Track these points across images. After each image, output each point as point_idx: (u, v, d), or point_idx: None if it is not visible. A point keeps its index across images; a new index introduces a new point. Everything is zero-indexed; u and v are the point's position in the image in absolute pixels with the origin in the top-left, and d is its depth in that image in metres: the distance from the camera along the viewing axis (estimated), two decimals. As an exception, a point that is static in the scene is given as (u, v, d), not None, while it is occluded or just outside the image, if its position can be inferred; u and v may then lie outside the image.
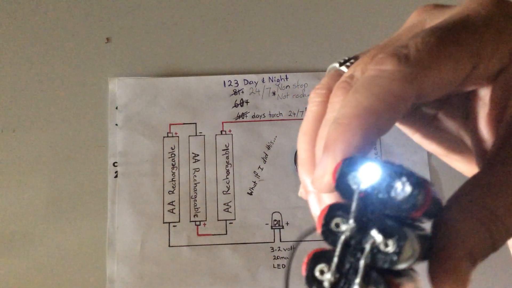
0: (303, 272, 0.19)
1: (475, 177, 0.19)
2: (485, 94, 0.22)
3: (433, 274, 0.18)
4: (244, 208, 0.48)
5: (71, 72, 0.51)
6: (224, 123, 0.50)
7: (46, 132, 0.50)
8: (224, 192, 0.48)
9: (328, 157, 0.19)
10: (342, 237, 0.18)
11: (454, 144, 0.26)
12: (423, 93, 0.19)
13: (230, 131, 0.49)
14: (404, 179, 0.17)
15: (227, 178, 0.48)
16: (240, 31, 0.53)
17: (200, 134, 0.49)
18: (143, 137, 0.49)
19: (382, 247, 0.17)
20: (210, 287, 0.46)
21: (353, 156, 0.19)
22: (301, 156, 0.23)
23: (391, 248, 0.17)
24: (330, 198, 0.21)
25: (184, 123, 0.50)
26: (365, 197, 0.18)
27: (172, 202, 0.48)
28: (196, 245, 0.47)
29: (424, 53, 0.19)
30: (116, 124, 0.49)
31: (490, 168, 0.19)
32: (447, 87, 0.20)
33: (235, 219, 0.47)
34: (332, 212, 0.19)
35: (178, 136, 0.49)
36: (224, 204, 0.48)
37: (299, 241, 0.21)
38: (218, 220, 0.47)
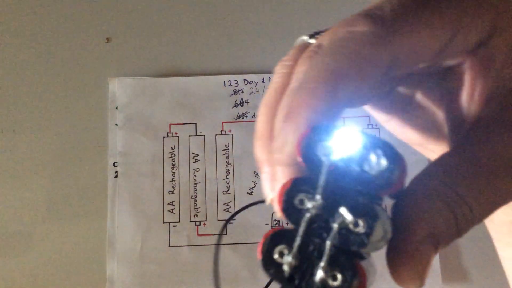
0: (259, 254, 0.17)
1: (443, 157, 0.18)
2: (461, 70, 0.20)
3: (391, 258, 0.17)
4: (244, 208, 0.48)
5: (71, 72, 0.51)
6: (224, 123, 0.50)
7: (46, 132, 0.50)
8: (224, 192, 0.48)
9: (290, 124, 0.17)
10: (307, 215, 0.16)
11: (429, 131, 0.25)
12: (397, 60, 0.18)
13: (230, 131, 0.49)
14: (379, 151, 0.16)
15: (227, 178, 0.48)
16: (240, 31, 0.53)
17: (200, 134, 0.49)
18: (143, 137, 0.49)
19: (351, 226, 0.16)
20: (210, 287, 0.46)
21: (324, 123, 0.17)
22: (258, 129, 0.21)
23: (361, 228, 0.16)
24: (287, 175, 0.19)
25: (184, 123, 0.50)
26: (335, 170, 0.16)
27: (172, 202, 0.48)
28: (196, 245, 0.47)
29: (400, 15, 0.18)
30: (116, 124, 0.49)
31: (459, 149, 0.18)
32: (423, 56, 0.19)
33: (235, 219, 0.47)
34: (296, 186, 0.16)
35: (178, 136, 0.49)
36: (224, 204, 0.48)
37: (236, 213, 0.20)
38: (218, 220, 0.47)
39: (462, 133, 0.19)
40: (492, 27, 0.19)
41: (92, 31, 0.52)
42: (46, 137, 0.49)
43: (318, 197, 0.16)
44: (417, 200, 0.17)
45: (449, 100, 0.21)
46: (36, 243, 0.47)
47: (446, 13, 0.18)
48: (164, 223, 0.47)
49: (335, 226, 0.16)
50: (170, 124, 0.49)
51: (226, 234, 0.47)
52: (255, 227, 0.47)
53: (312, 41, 0.23)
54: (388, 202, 0.18)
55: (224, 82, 0.51)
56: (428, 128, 0.24)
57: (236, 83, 0.51)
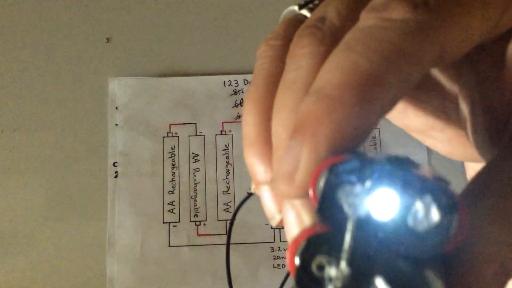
0: (292, 269, 0.12)
1: (494, 168, 0.14)
2: (497, 49, 0.16)
3: None
4: (244, 208, 0.48)
5: (71, 72, 0.51)
6: (224, 123, 0.50)
7: (46, 132, 0.50)
8: (224, 192, 0.48)
9: (305, 144, 0.13)
10: None
11: (437, 115, 0.20)
12: (446, 52, 0.14)
13: (230, 131, 0.49)
14: (428, 197, 0.11)
15: (227, 178, 0.48)
16: (240, 31, 0.53)
17: (200, 134, 0.49)
18: (143, 137, 0.49)
19: None
20: (210, 287, 0.46)
21: (349, 157, 0.12)
22: (248, 132, 0.16)
23: None
24: (302, 209, 0.14)
25: (184, 123, 0.50)
26: (365, 225, 0.12)
27: (172, 202, 0.48)
28: (196, 245, 0.47)
29: None
30: (116, 124, 0.49)
31: None
32: (473, 41, 0.14)
33: (235, 219, 0.47)
34: (312, 247, 0.12)
35: (178, 136, 0.49)
36: (224, 204, 0.48)
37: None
38: (218, 220, 0.47)
39: (511, 129, 0.15)
40: None
41: (92, 31, 0.52)
42: (46, 137, 0.49)
43: (343, 264, 0.12)
44: (477, 230, 0.13)
45: (481, 86, 0.17)
46: (36, 243, 0.47)
47: None
48: (164, 223, 0.47)
49: None
50: (170, 124, 0.49)
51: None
52: (255, 227, 0.47)
53: (305, 12, 0.18)
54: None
55: (224, 82, 0.51)
56: (436, 111, 0.20)
57: (236, 83, 0.51)
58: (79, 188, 0.48)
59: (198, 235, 0.47)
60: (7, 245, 0.47)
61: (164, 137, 0.49)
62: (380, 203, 0.12)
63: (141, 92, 0.50)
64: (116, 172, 0.48)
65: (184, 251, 0.46)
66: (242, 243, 0.47)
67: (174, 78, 0.51)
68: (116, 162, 0.48)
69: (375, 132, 0.49)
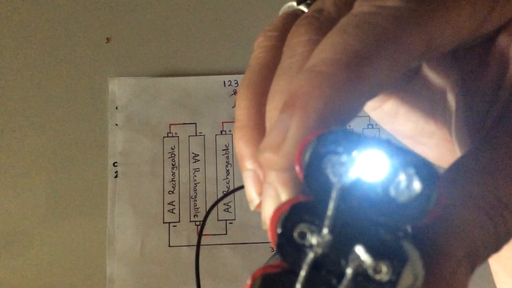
0: (273, 235, 0.13)
1: (471, 154, 0.15)
2: (484, 48, 0.17)
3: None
4: (244, 208, 0.48)
5: (71, 72, 0.51)
6: (224, 123, 0.50)
7: (46, 132, 0.50)
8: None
9: (294, 116, 0.13)
10: (310, 255, 0.12)
11: (426, 120, 0.20)
12: (434, 42, 0.14)
13: (230, 131, 0.49)
14: (411, 170, 0.12)
15: (227, 178, 0.48)
16: (240, 31, 0.53)
17: (200, 134, 0.49)
18: (143, 137, 0.49)
19: (370, 272, 0.12)
20: (210, 287, 0.46)
21: (336, 128, 0.12)
22: (240, 116, 0.17)
23: (384, 274, 0.12)
24: (280, 179, 0.14)
25: (184, 123, 0.50)
26: (348, 195, 0.12)
27: (172, 202, 0.48)
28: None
29: None
30: (116, 124, 0.49)
31: (492, 142, 0.15)
32: (461, 36, 0.15)
33: (235, 219, 0.47)
34: (295, 214, 0.12)
35: (178, 136, 0.49)
36: (224, 204, 0.48)
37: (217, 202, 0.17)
38: (218, 220, 0.47)
39: (492, 121, 0.16)
40: None
41: (92, 31, 0.52)
42: (46, 137, 0.49)
43: (325, 231, 0.12)
44: (451, 209, 0.13)
45: (465, 83, 0.17)
46: (36, 243, 0.47)
47: None
48: (164, 223, 0.47)
49: (349, 272, 0.12)
50: (170, 124, 0.49)
51: (226, 234, 0.47)
52: (255, 227, 0.47)
53: (303, 8, 0.19)
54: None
55: (224, 82, 0.51)
56: (426, 115, 0.20)
57: (236, 83, 0.51)
58: (79, 188, 0.48)
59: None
60: (7, 245, 0.47)
61: (164, 137, 0.49)
62: (365, 172, 0.12)
63: (141, 92, 0.50)
64: (116, 172, 0.48)
65: (184, 251, 0.46)
66: (242, 243, 0.47)
67: (174, 78, 0.51)
68: (116, 162, 0.48)
69: (375, 133, 0.49)
